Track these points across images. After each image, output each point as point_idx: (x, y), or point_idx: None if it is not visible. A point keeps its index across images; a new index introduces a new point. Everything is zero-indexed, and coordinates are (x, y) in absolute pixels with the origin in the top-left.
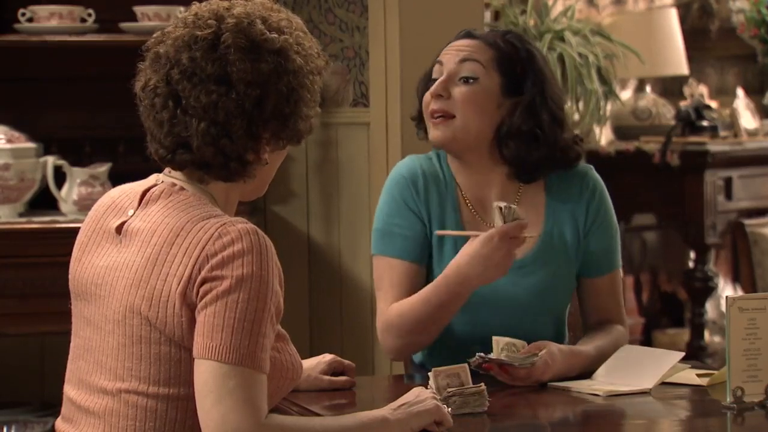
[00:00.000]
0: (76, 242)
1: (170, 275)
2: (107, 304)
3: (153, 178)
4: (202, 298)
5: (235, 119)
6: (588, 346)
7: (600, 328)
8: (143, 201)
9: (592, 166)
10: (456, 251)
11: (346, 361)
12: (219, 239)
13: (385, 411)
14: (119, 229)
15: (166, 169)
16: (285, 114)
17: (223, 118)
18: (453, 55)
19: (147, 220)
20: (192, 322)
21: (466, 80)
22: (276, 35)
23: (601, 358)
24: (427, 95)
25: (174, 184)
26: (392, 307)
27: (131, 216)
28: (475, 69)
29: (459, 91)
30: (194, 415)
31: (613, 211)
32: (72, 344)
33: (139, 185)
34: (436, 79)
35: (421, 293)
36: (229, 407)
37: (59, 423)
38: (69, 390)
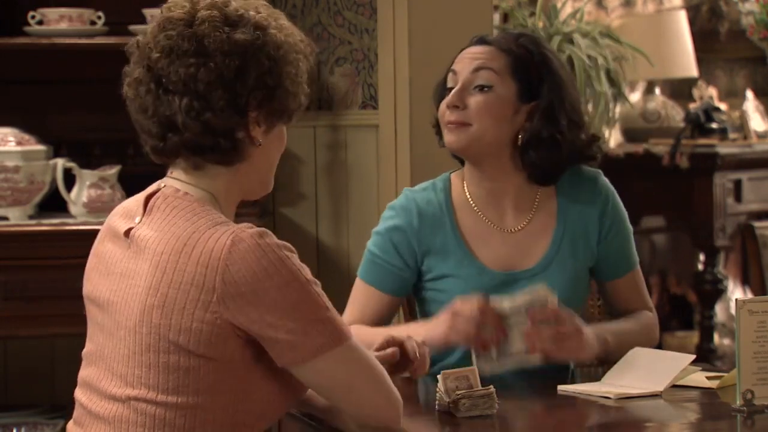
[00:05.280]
0: (92, 250)
1: (184, 283)
2: (120, 311)
3: (156, 185)
4: (238, 311)
5: (216, 90)
6: (610, 324)
7: (626, 315)
8: (147, 208)
9: (600, 171)
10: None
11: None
12: (234, 246)
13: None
14: (127, 234)
15: (168, 172)
16: (269, 86)
17: (203, 90)
18: (467, 63)
19: (153, 228)
20: (213, 329)
21: (481, 88)
22: (253, 13)
23: (624, 333)
24: (443, 105)
25: (177, 190)
26: (353, 326)
27: (138, 223)
28: (490, 77)
29: (474, 100)
30: (203, 424)
31: (625, 213)
32: (85, 350)
33: (145, 192)
34: (451, 88)
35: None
36: (365, 380)
37: (71, 426)
38: (80, 395)
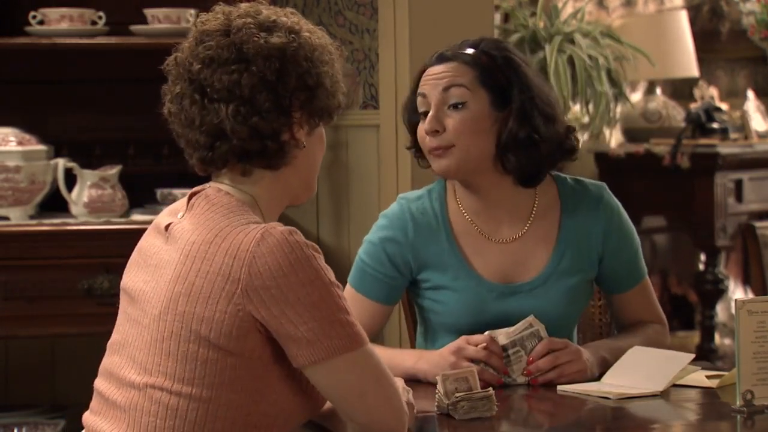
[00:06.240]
0: (138, 246)
1: (211, 273)
2: (148, 300)
3: (202, 186)
4: (260, 304)
5: (260, 93)
6: (608, 341)
7: (632, 327)
8: (189, 204)
9: (605, 185)
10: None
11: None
12: (263, 240)
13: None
14: (167, 228)
15: (213, 178)
16: (310, 86)
17: (248, 95)
18: (434, 84)
19: (190, 222)
20: (235, 321)
21: (455, 106)
22: (285, 19)
23: (622, 350)
24: (421, 131)
25: (220, 190)
26: None
27: (180, 218)
28: (462, 93)
29: (451, 121)
30: (214, 420)
31: (632, 227)
32: (110, 340)
33: (190, 191)
34: (424, 112)
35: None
36: (378, 388)
37: (87, 416)
38: (99, 383)
